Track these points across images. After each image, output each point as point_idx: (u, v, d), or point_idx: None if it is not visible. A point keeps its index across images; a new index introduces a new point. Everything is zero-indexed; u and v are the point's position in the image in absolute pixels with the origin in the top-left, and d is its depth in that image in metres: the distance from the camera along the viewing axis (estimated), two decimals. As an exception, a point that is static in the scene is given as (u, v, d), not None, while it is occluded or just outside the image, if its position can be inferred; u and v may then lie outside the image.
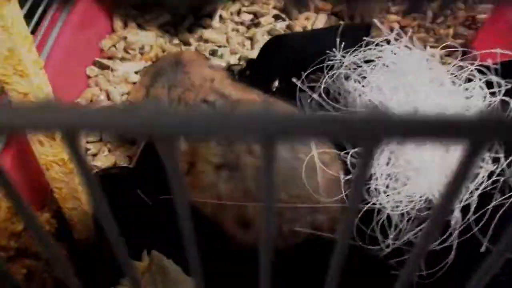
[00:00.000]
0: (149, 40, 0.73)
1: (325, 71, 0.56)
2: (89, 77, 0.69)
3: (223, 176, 0.45)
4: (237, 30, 0.76)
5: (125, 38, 0.73)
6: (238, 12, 0.79)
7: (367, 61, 0.56)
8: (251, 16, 0.78)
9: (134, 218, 0.49)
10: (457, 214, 0.47)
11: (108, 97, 0.66)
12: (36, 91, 0.41)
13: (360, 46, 0.56)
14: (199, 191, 0.46)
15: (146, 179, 0.52)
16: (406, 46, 0.55)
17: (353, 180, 0.16)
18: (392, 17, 0.74)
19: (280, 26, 0.76)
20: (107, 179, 0.52)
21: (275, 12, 0.78)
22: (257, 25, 0.76)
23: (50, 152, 0.45)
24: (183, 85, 0.52)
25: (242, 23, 0.77)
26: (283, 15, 0.77)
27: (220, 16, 0.78)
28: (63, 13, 0.66)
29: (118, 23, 0.75)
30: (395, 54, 0.55)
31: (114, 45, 0.73)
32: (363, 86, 0.55)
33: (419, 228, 0.47)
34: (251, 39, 0.75)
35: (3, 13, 0.36)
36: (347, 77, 0.55)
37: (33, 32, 0.60)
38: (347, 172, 0.51)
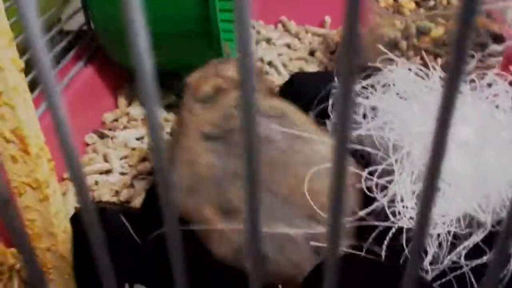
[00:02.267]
0: (153, 113, 0.72)
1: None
2: (87, 144, 0.65)
3: (210, 149, 0.39)
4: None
5: (127, 114, 0.72)
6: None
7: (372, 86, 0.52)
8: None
9: (120, 253, 0.41)
10: None
11: (106, 159, 0.62)
12: (10, 93, 0.37)
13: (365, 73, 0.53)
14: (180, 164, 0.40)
15: (142, 219, 0.45)
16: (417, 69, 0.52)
17: None
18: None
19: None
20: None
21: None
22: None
23: (23, 171, 0.40)
24: None
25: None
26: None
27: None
28: (66, 78, 0.65)
29: (122, 101, 0.74)
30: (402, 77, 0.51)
31: (116, 119, 0.71)
32: (373, 117, 0.51)
33: (462, 246, 0.39)
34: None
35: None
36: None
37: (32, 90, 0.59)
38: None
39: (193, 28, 0.62)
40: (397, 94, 0.51)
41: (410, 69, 0.53)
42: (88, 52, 0.72)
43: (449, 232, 0.39)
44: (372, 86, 0.53)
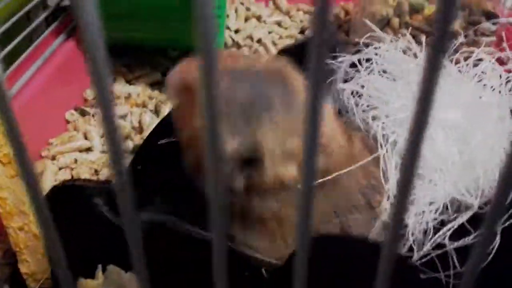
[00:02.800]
0: (137, 91, 0.70)
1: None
2: (68, 121, 0.64)
3: None
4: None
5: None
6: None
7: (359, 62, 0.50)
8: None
9: (95, 233, 0.40)
10: None
11: (86, 137, 0.60)
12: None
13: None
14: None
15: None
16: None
17: None
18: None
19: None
20: (70, 191, 0.44)
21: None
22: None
23: (-8, 146, 0.38)
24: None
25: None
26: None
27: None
28: (47, 52, 0.63)
29: (106, 77, 0.72)
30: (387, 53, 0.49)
31: (99, 96, 0.69)
32: (359, 94, 0.49)
33: (447, 228, 0.37)
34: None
35: None
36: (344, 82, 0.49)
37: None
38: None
39: (182, 1, 0.60)
40: (383, 72, 0.49)
41: (400, 49, 0.51)
42: (70, 26, 0.70)
43: (435, 219, 0.38)
44: (358, 65, 0.52)
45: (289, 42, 0.80)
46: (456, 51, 0.49)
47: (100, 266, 0.36)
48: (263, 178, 0.36)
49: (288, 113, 0.37)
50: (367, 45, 0.54)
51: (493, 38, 0.58)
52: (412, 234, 0.38)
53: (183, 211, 0.42)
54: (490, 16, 0.57)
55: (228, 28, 0.82)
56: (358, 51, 0.53)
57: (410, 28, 0.58)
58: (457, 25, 0.60)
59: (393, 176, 0.39)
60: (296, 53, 0.58)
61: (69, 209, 0.42)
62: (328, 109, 0.42)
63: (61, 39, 0.67)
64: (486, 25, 0.57)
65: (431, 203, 0.40)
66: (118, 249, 0.40)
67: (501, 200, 0.15)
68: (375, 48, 0.51)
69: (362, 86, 0.49)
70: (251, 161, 0.36)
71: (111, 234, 0.41)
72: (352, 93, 0.48)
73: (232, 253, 0.40)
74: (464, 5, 0.59)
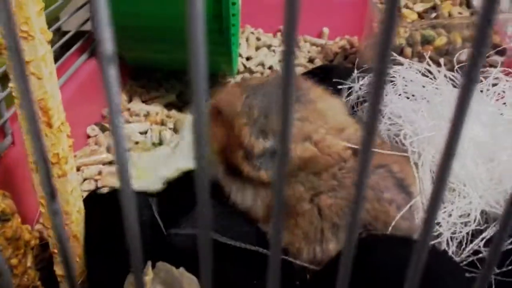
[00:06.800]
0: (156, 110, 0.71)
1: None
2: (89, 136, 0.64)
3: None
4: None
5: (128, 109, 0.71)
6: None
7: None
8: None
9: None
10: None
11: (108, 150, 0.61)
12: (39, 62, 0.37)
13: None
14: None
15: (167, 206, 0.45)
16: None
17: None
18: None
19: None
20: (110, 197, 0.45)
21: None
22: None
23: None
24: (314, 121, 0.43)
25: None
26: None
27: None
28: (70, 69, 0.64)
29: (123, 97, 0.74)
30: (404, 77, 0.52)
31: (117, 114, 0.70)
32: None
33: (480, 238, 0.39)
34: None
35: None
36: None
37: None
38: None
39: (206, 24, 0.62)
40: (404, 93, 0.52)
41: (419, 71, 0.54)
42: (91, 47, 0.71)
43: (467, 233, 0.40)
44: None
45: (299, 70, 0.83)
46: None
47: (149, 262, 0.37)
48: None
49: (299, 105, 0.43)
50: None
51: (501, 69, 0.62)
52: (447, 244, 0.40)
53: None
54: (497, 48, 0.61)
55: (240, 55, 0.85)
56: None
57: (428, 54, 0.61)
58: (465, 56, 0.64)
59: (427, 187, 0.41)
60: (315, 74, 0.61)
61: (114, 212, 0.43)
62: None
63: (83, 59, 0.69)
64: (495, 57, 0.61)
65: (461, 216, 0.42)
66: (163, 250, 0.41)
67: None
68: (394, 71, 0.54)
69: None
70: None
71: (156, 236, 0.42)
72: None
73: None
74: (473, 38, 0.63)
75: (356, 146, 0.41)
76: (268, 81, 0.47)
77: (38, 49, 0.37)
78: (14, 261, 0.35)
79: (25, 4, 0.35)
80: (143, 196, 0.44)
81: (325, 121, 0.43)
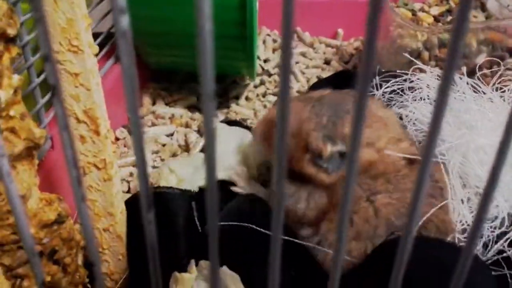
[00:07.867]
0: (180, 112, 0.74)
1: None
2: (117, 139, 0.67)
3: None
4: (265, 106, 0.77)
5: (153, 112, 0.74)
6: (264, 95, 0.81)
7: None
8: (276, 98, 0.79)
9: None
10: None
11: (138, 153, 0.63)
12: (88, 74, 0.39)
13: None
14: None
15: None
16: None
17: None
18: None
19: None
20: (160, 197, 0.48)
21: (300, 91, 0.80)
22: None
23: (90, 151, 0.41)
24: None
25: (269, 103, 0.79)
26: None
27: (247, 98, 0.80)
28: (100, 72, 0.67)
29: (146, 99, 0.76)
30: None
31: (142, 117, 0.73)
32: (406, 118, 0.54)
33: (505, 238, 0.42)
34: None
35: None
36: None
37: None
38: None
39: (230, 30, 0.65)
40: (428, 99, 0.55)
41: (439, 77, 0.56)
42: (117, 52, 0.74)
43: (493, 231, 0.42)
44: (402, 91, 0.57)
45: (315, 71, 0.85)
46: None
47: (193, 260, 0.39)
48: None
49: None
50: (394, 76, 0.60)
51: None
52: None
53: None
54: (513, 52, 0.63)
55: (258, 57, 0.87)
56: (395, 81, 0.58)
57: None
58: (481, 59, 0.66)
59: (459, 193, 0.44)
60: (332, 82, 0.64)
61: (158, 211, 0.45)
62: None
63: (111, 63, 0.71)
64: (510, 60, 0.63)
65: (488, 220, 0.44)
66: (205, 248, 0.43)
67: None
68: (418, 79, 0.56)
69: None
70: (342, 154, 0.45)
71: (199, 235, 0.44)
72: (400, 117, 0.53)
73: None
74: (487, 41, 0.65)
75: (413, 156, 0.44)
76: (326, 95, 0.50)
77: (87, 62, 0.39)
78: (67, 260, 0.38)
79: (74, 21, 0.37)
80: (186, 197, 0.47)
81: (387, 130, 0.46)
